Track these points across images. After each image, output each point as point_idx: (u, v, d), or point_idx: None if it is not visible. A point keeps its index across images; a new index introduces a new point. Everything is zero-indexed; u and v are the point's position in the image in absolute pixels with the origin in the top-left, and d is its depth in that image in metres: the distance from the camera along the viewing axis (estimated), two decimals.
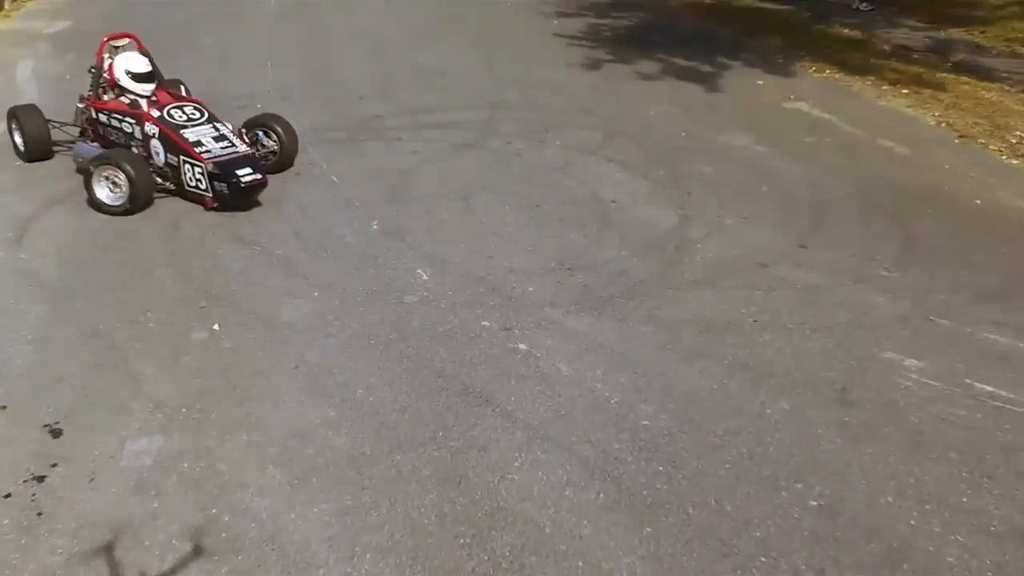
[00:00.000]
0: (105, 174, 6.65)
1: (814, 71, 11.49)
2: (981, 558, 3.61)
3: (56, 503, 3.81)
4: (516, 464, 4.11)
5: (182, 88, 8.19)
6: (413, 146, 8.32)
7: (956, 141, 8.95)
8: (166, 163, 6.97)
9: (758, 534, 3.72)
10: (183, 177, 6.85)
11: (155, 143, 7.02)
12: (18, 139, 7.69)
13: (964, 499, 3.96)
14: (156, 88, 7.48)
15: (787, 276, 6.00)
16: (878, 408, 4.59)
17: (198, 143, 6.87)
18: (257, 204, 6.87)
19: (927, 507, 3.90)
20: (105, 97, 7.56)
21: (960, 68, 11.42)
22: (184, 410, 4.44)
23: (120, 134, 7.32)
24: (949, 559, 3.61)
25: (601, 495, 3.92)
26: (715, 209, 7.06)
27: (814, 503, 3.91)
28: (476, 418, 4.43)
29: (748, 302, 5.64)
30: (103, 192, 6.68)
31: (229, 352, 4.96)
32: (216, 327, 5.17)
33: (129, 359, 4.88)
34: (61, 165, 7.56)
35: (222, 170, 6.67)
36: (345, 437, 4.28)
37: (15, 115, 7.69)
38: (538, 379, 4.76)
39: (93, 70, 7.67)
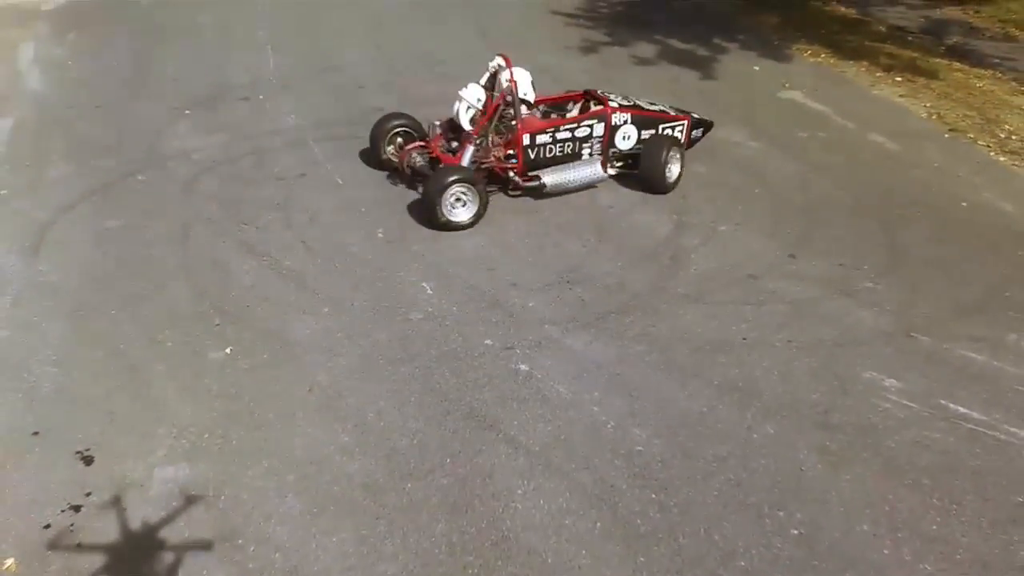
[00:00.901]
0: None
1: (809, 55, 11.62)
2: None
3: (93, 533, 4.11)
4: (519, 492, 4.41)
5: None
6: None
7: (946, 136, 9.16)
8: (637, 142, 7.65)
9: (743, 563, 4.04)
10: None
11: (627, 128, 7.59)
12: (464, 212, 6.90)
13: (934, 527, 4.29)
14: None
15: (777, 289, 6.26)
16: (858, 432, 4.90)
17: (662, 110, 7.83)
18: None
19: (899, 535, 4.22)
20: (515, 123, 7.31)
21: (954, 52, 11.56)
22: (206, 435, 4.73)
23: (569, 143, 7.44)
24: None
25: (598, 524, 4.23)
26: (709, 214, 7.29)
27: (795, 531, 4.23)
28: (481, 444, 4.72)
29: (739, 318, 5.91)
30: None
31: (245, 373, 5.23)
32: (229, 350, 5.42)
33: (151, 382, 5.14)
34: (76, 170, 7.72)
35: (699, 121, 8.06)
36: (359, 463, 4.57)
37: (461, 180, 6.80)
38: (539, 402, 5.05)
39: (511, 99, 7.24)
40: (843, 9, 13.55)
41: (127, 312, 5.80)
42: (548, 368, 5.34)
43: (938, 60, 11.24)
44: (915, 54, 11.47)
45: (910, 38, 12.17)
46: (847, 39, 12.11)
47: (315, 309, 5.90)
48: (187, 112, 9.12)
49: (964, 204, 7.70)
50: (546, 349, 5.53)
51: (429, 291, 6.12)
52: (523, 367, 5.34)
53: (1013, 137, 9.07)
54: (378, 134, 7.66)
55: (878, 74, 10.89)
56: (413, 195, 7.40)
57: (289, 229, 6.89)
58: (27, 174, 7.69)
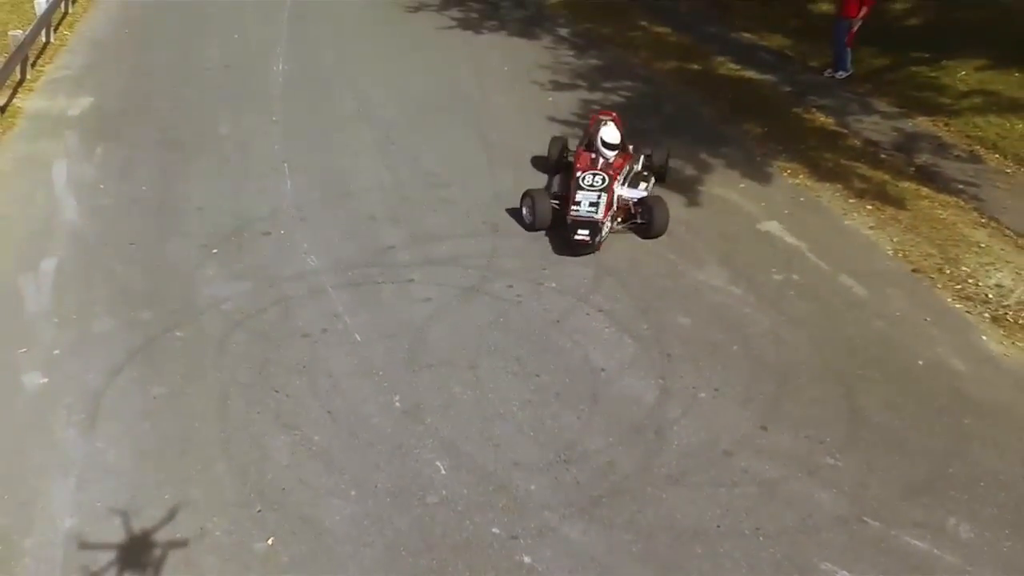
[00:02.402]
0: None
1: (788, 174, 12.50)
2: None
3: None
4: None
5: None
6: (425, 290, 9.34)
7: (909, 277, 10.06)
8: None
9: None
10: None
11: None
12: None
13: None
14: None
15: (748, 468, 7.13)
16: None
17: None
18: None
19: None
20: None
21: (922, 174, 12.47)
22: None
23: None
24: None
25: None
26: (691, 378, 8.16)
27: None
28: None
29: (714, 502, 6.78)
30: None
31: (286, 568, 6.09)
32: (271, 541, 6.27)
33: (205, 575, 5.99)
34: (119, 324, 8.53)
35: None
36: None
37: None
38: None
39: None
40: (822, 119, 14.44)
41: (179, 497, 6.64)
42: (548, 561, 6.21)
43: (906, 184, 12.13)
44: (886, 176, 12.36)
45: (883, 155, 13.06)
46: (824, 156, 13.00)
47: (344, 492, 6.74)
48: (214, 251, 9.93)
49: (920, 362, 8.57)
50: (546, 538, 6.39)
51: (443, 471, 6.98)
52: (527, 560, 6.21)
53: (969, 280, 9.96)
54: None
55: (851, 200, 11.77)
56: (427, 358, 8.25)
57: (315, 397, 7.73)
58: (75, 329, 8.50)
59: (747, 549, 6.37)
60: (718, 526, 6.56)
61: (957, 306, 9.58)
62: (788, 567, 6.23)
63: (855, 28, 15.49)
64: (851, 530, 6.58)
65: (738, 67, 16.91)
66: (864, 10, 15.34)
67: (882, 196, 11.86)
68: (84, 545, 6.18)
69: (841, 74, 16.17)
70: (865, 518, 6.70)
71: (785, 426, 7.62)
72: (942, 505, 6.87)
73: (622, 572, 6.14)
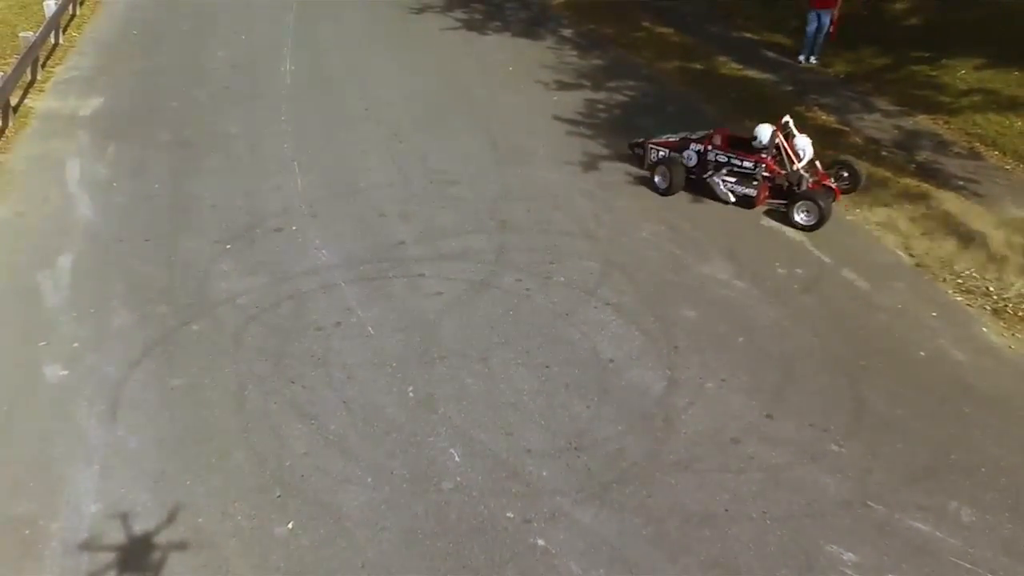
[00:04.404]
0: None
1: None
2: None
3: None
4: None
5: None
6: (435, 284, 9.51)
7: (911, 271, 10.24)
8: None
9: None
10: None
11: None
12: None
13: None
14: None
15: (755, 455, 7.30)
16: None
17: None
18: None
19: None
20: None
21: (923, 171, 12.65)
22: None
23: None
24: None
25: None
26: (697, 368, 8.33)
27: None
28: None
29: (722, 487, 6.95)
30: None
31: (307, 551, 6.25)
32: (291, 525, 6.44)
33: (229, 559, 6.17)
34: (136, 319, 8.70)
35: None
36: None
37: None
38: None
39: None
40: (823, 117, 14.60)
41: (200, 483, 6.81)
42: (561, 543, 6.37)
43: (907, 180, 12.29)
44: (887, 172, 12.51)
45: (884, 153, 13.23)
46: (826, 153, 13.06)
47: (360, 479, 6.91)
48: (228, 247, 10.10)
49: (922, 353, 8.74)
50: (559, 522, 6.56)
51: (457, 458, 7.14)
52: (540, 542, 6.38)
53: (970, 271, 10.13)
54: None
55: (853, 196, 11.92)
56: (439, 350, 8.42)
57: (331, 388, 7.89)
58: (93, 323, 8.66)
59: (755, 532, 6.53)
60: (726, 510, 6.72)
61: (958, 299, 9.75)
62: (795, 550, 6.40)
63: (835, 18, 15.98)
64: (855, 514, 6.75)
65: (740, 66, 17.08)
66: None
67: (884, 191, 11.99)
68: (108, 529, 6.32)
69: (813, 60, 16.54)
70: (869, 502, 6.86)
71: (790, 414, 7.78)
72: (944, 490, 7.03)
73: (633, 554, 6.30)
